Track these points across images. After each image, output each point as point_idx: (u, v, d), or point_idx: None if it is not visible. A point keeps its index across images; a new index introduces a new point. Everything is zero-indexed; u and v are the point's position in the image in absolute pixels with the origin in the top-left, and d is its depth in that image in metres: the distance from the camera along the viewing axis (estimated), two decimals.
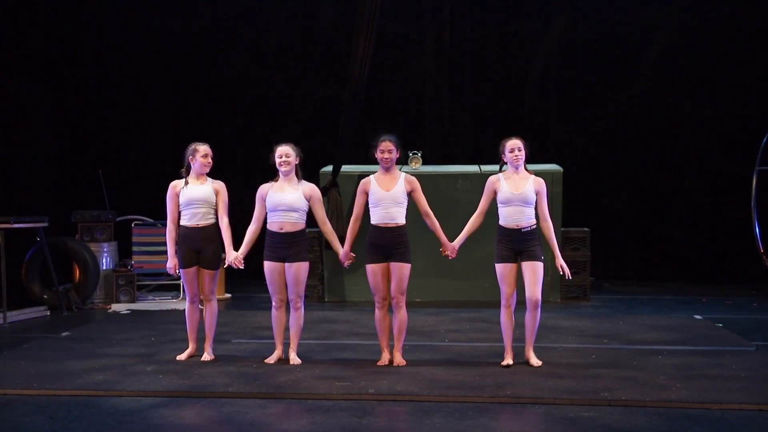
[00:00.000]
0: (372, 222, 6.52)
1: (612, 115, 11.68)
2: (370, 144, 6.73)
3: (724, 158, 11.47)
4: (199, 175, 6.89)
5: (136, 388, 5.88)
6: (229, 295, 10.21)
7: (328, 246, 9.65)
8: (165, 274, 10.15)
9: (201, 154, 6.89)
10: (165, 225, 10.08)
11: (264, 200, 6.81)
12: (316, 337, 7.67)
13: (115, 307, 9.49)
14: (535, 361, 6.37)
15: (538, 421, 5.18)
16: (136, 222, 10.29)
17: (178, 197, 6.78)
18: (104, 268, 9.84)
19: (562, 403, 5.49)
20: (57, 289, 9.26)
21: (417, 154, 10.04)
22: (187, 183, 6.86)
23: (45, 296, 9.38)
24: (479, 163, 10.53)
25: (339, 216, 9.60)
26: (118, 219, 10.35)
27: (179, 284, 10.02)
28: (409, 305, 9.39)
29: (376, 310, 6.58)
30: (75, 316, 9.02)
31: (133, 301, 9.66)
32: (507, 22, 11.81)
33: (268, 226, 6.77)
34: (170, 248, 6.72)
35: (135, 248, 10.00)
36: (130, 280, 9.73)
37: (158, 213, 10.89)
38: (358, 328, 8.12)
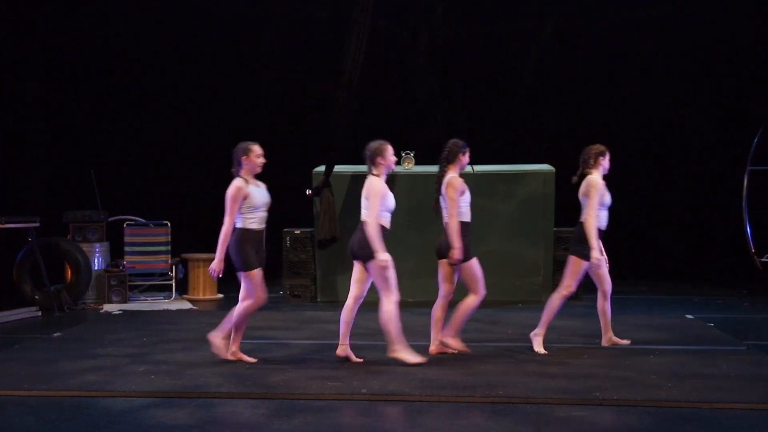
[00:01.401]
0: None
1: (604, 115, 11.70)
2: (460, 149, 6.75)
3: (716, 158, 11.51)
4: (253, 176, 6.59)
5: (128, 388, 5.86)
6: (221, 296, 10.20)
7: (321, 245, 9.70)
8: (157, 275, 10.17)
9: (256, 154, 6.59)
10: (157, 225, 10.17)
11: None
12: (308, 337, 7.66)
13: (107, 307, 9.47)
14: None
15: (530, 421, 5.18)
16: (128, 222, 10.27)
17: (245, 200, 6.45)
18: (96, 268, 9.81)
19: (553, 403, 5.50)
20: (48, 290, 9.24)
21: (410, 154, 10.05)
22: (247, 184, 6.51)
23: (36, 297, 9.36)
24: (472, 163, 10.52)
25: (332, 216, 9.60)
26: (110, 219, 10.33)
27: (171, 284, 10.00)
28: (401, 305, 9.41)
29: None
30: (67, 317, 8.99)
31: (125, 301, 9.64)
32: (500, 21, 11.82)
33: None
34: (223, 251, 6.39)
35: (127, 248, 9.98)
36: (122, 280, 9.71)
37: (150, 213, 10.91)
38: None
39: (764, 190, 10.79)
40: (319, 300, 9.90)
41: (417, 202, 9.89)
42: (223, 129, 11.95)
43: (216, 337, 6.65)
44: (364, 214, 6.42)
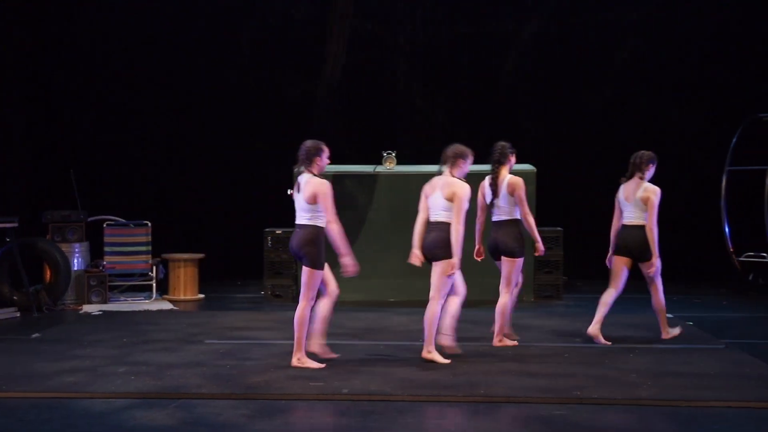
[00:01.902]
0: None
1: (585, 116, 11.76)
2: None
3: (694, 158, 11.60)
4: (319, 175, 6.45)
5: (108, 389, 5.83)
6: (201, 296, 10.15)
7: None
8: (137, 275, 10.11)
9: (327, 154, 6.52)
10: (137, 225, 10.11)
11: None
12: (289, 337, 7.63)
13: (87, 308, 9.40)
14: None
15: (511, 420, 5.21)
16: (108, 222, 10.20)
17: None
18: (75, 268, 9.74)
19: (534, 402, 5.53)
20: (27, 290, 9.15)
21: (391, 154, 10.05)
22: None
23: (15, 297, 9.27)
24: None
25: None
26: (90, 219, 10.25)
27: (152, 285, 9.95)
28: (383, 305, 9.44)
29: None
30: (46, 318, 8.92)
31: (104, 302, 9.58)
32: (480, 22, 11.84)
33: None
34: (348, 246, 6.35)
35: (107, 248, 9.91)
36: (101, 280, 9.64)
37: (130, 213, 10.85)
38: (332, 328, 8.08)
39: (742, 190, 10.88)
40: None
41: (399, 202, 9.89)
42: (204, 128, 11.90)
43: (314, 345, 6.57)
44: (443, 216, 6.49)
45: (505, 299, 7.09)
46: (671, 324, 7.54)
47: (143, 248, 9.96)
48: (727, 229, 10.62)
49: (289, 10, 11.88)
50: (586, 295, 10.27)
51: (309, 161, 6.41)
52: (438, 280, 6.49)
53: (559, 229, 9.99)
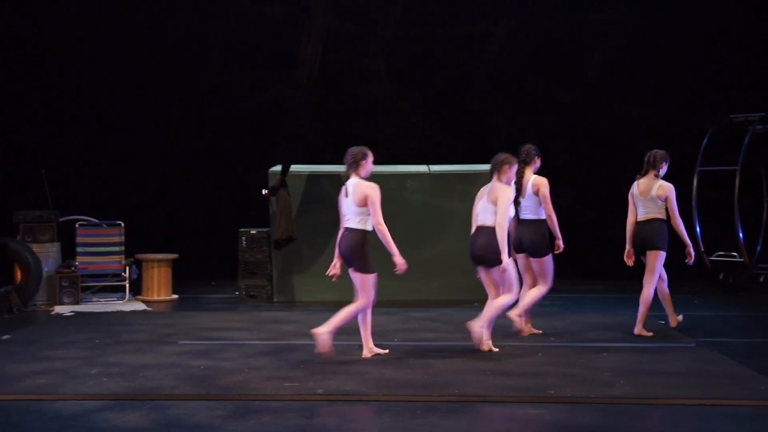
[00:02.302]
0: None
1: (558, 116, 11.83)
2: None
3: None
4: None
5: (80, 391, 5.77)
6: (175, 296, 10.08)
7: (277, 246, 9.65)
8: (110, 275, 10.02)
9: (372, 158, 6.78)
10: (110, 225, 10.02)
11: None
12: (264, 337, 7.62)
13: (59, 309, 9.31)
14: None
15: (486, 419, 5.23)
16: (80, 222, 10.10)
17: None
18: (47, 269, 9.63)
19: (509, 401, 5.55)
20: None
21: None
22: None
23: None
24: (428, 162, 10.58)
25: (288, 215, 9.56)
26: (62, 219, 10.15)
27: (125, 285, 9.87)
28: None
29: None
30: (16, 319, 8.81)
31: (77, 302, 9.49)
32: (455, 23, 11.88)
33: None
34: (395, 247, 6.60)
35: (79, 249, 9.82)
36: (73, 281, 9.55)
37: (103, 213, 10.75)
38: (307, 328, 8.06)
39: (713, 191, 11.01)
40: (275, 300, 9.85)
41: None
42: (177, 127, 11.82)
43: (368, 350, 6.76)
44: (488, 220, 6.77)
45: (541, 290, 7.48)
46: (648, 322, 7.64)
47: (116, 248, 9.88)
48: (698, 229, 10.73)
49: (264, 10, 11.83)
50: (561, 295, 10.34)
51: (356, 165, 6.68)
52: (499, 278, 6.86)
53: None
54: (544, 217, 7.43)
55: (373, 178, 10.02)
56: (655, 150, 7.59)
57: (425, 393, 5.70)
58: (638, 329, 7.59)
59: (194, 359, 6.71)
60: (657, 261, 7.44)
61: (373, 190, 6.54)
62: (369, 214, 6.55)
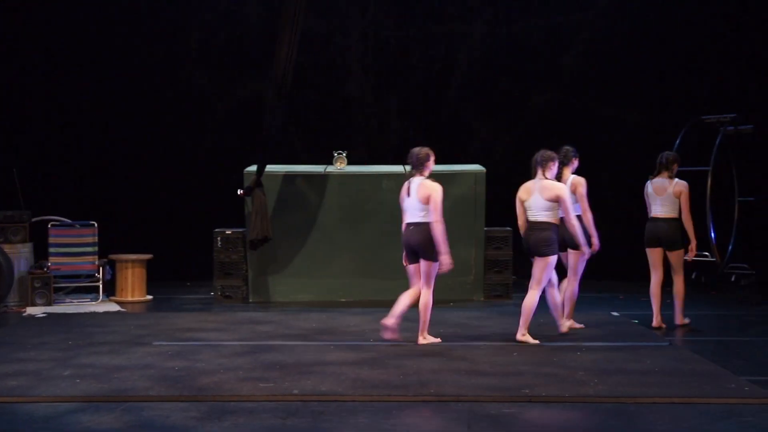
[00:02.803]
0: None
1: (532, 117, 11.89)
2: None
3: (638, 159, 11.81)
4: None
5: (52, 393, 5.72)
6: (150, 297, 10.01)
7: (253, 246, 9.62)
8: (83, 276, 9.93)
9: (434, 158, 7.31)
10: (83, 225, 9.93)
11: None
12: (240, 338, 7.59)
13: (31, 310, 9.21)
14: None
15: (461, 419, 5.25)
16: (53, 222, 10.00)
17: None
18: (19, 270, 9.53)
19: (484, 400, 5.58)
20: None
21: (342, 153, 10.05)
22: None
23: None
24: (404, 163, 10.58)
25: (264, 216, 9.52)
26: (34, 219, 10.05)
27: (98, 286, 9.79)
28: (334, 305, 9.43)
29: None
30: None
31: (49, 303, 9.39)
32: (430, 23, 11.90)
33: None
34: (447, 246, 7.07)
35: (52, 249, 9.73)
36: (46, 282, 9.45)
37: (76, 213, 10.65)
38: (283, 329, 8.07)
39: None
40: (251, 301, 9.82)
41: (349, 202, 9.89)
42: (152, 127, 11.74)
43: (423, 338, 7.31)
44: (543, 216, 7.23)
45: (573, 286, 7.89)
46: (621, 322, 7.74)
47: (89, 249, 9.80)
48: None
49: (239, 9, 11.79)
50: None
51: (420, 166, 7.20)
52: (540, 274, 7.22)
53: (508, 229, 10.09)
54: (579, 213, 7.76)
55: (349, 178, 10.08)
56: (667, 152, 8.21)
57: (400, 393, 5.71)
58: (678, 320, 8.17)
59: (169, 360, 6.67)
60: (681, 258, 8.08)
61: (437, 190, 7.06)
62: (431, 210, 7.06)
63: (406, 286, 9.79)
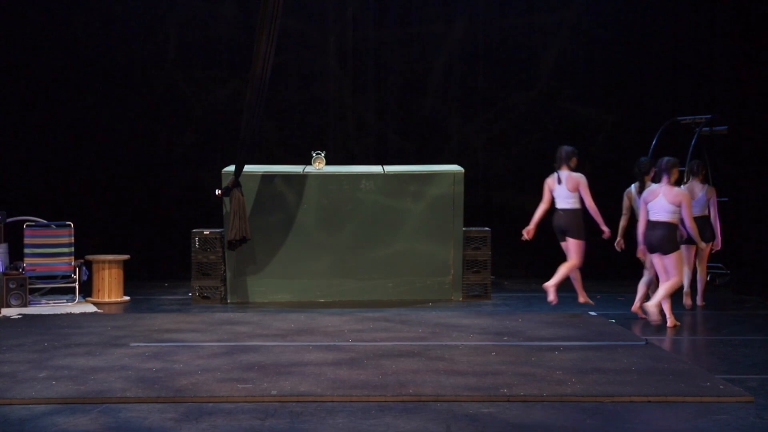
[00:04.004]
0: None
1: (511, 116, 11.94)
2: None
3: (616, 159, 11.90)
4: None
5: (28, 395, 5.66)
6: (127, 298, 9.95)
7: (231, 246, 9.58)
8: (59, 277, 9.84)
9: (577, 154, 8.76)
10: (59, 226, 9.84)
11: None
12: (218, 339, 7.56)
13: (6, 311, 9.11)
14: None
15: (440, 419, 5.26)
16: (28, 223, 9.90)
17: None
18: None
19: (463, 400, 5.60)
20: None
21: (320, 154, 10.03)
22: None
23: None
24: (383, 163, 10.60)
25: (242, 216, 9.49)
26: (9, 220, 9.94)
27: (74, 287, 9.71)
28: (313, 306, 9.42)
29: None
30: None
31: (25, 305, 9.30)
32: (409, 23, 11.92)
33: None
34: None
35: (27, 250, 9.63)
36: (21, 283, 9.36)
37: (52, 213, 10.55)
38: (261, 329, 8.05)
39: None
40: (229, 301, 9.78)
41: (328, 202, 9.88)
42: (129, 127, 11.66)
43: (583, 297, 8.98)
44: (665, 216, 7.99)
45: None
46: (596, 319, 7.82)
47: (65, 249, 9.71)
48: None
49: (217, 8, 11.74)
50: (513, 294, 10.45)
51: (568, 160, 8.66)
52: (674, 268, 8.01)
53: (486, 229, 10.13)
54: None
55: (328, 178, 10.07)
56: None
57: (379, 393, 5.71)
58: (701, 300, 9.27)
59: (146, 361, 6.62)
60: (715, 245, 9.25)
61: (584, 179, 8.60)
62: (578, 197, 8.58)
63: (385, 287, 9.85)
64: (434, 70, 11.93)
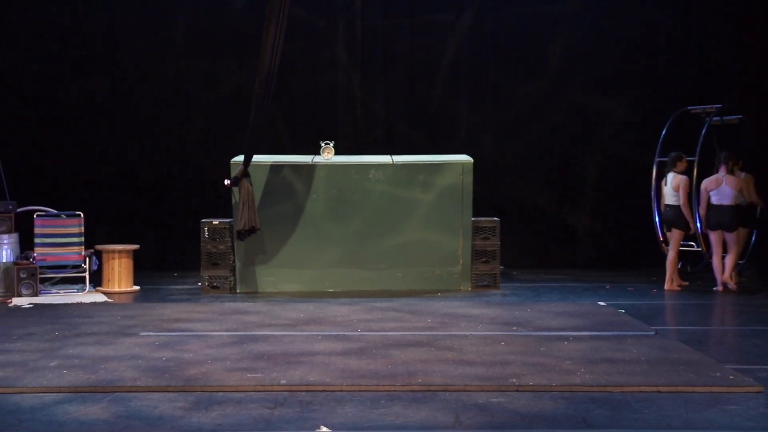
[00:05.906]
0: None
1: (520, 106, 11.91)
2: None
3: (626, 149, 11.87)
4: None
5: (39, 384, 5.69)
6: (137, 288, 9.98)
7: (240, 236, 9.60)
8: (70, 267, 9.88)
9: (686, 158, 9.90)
10: (69, 216, 9.88)
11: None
12: (227, 328, 7.59)
13: (17, 300, 9.16)
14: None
15: (449, 408, 5.27)
16: (38, 213, 9.94)
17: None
18: (5, 260, 9.48)
19: (472, 390, 5.60)
20: None
21: (329, 144, 10.03)
22: None
23: None
24: (391, 153, 10.59)
25: (251, 206, 9.50)
26: (20, 210, 9.99)
27: (85, 277, 9.76)
28: (322, 296, 9.44)
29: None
30: None
31: (35, 294, 9.35)
32: (418, 13, 11.88)
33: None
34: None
35: (37, 240, 9.68)
36: (32, 272, 9.40)
37: (62, 203, 10.59)
38: (270, 319, 8.07)
39: None
40: (238, 291, 9.81)
41: (337, 192, 9.89)
42: (139, 118, 11.69)
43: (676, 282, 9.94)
44: (726, 200, 9.53)
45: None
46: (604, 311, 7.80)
47: (76, 239, 9.75)
48: (657, 219, 10.89)
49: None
50: (523, 284, 10.44)
51: (674, 164, 9.82)
52: (734, 243, 9.62)
53: (495, 219, 10.11)
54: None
55: (336, 168, 10.06)
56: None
57: (388, 383, 5.72)
58: (732, 284, 9.79)
59: (156, 351, 6.65)
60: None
61: (686, 182, 9.71)
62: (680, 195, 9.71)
63: (394, 277, 9.86)
64: (443, 60, 11.90)
